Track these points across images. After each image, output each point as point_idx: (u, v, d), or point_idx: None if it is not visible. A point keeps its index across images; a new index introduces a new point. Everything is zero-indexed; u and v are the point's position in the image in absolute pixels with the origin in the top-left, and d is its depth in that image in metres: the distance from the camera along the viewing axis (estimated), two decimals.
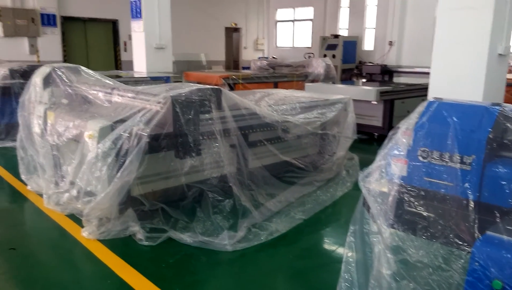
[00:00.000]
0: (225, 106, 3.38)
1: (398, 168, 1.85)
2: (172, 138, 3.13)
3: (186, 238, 3.02)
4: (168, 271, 2.72)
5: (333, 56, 13.97)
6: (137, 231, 3.05)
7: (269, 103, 4.23)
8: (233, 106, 3.48)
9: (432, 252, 1.77)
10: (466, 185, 1.71)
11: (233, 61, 19.24)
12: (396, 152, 1.88)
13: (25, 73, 5.69)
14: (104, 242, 3.01)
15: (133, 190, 3.18)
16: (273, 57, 17.67)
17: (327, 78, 9.26)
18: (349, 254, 2.03)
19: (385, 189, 1.88)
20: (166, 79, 7.17)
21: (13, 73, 5.79)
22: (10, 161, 4.90)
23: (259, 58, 16.61)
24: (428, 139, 1.82)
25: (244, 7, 18.67)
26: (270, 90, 5.50)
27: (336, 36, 14.92)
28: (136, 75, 7.29)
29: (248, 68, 12.57)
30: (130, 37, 9.88)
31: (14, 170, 4.41)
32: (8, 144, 5.62)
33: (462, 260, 1.69)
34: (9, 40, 12.81)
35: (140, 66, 8.05)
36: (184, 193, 3.38)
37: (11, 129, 5.75)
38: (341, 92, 6.09)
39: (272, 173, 3.83)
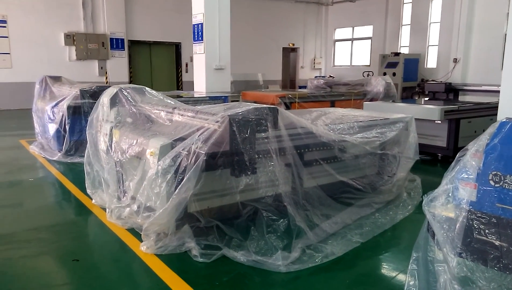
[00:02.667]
0: (281, 125, 3.37)
1: (467, 193, 1.72)
2: (229, 156, 3.16)
3: (240, 256, 3.01)
4: (221, 289, 2.71)
5: (394, 74, 13.62)
6: (193, 247, 3.09)
7: (325, 122, 4.17)
8: (289, 125, 3.46)
9: (506, 285, 1.62)
10: None
11: (289, 81, 19.37)
12: (464, 175, 1.75)
13: (94, 94, 6.05)
14: (161, 257, 3.07)
15: (189, 207, 3.24)
16: (330, 76, 17.56)
17: (387, 96, 9.01)
18: (411, 282, 1.90)
19: (451, 215, 1.75)
20: (224, 99, 7.34)
21: (83, 93, 6.17)
22: (77, 176, 5.21)
23: (316, 77, 16.58)
24: (500, 162, 1.69)
25: (302, 27, 18.82)
26: (327, 109, 5.44)
27: (397, 54, 14.55)
28: (196, 95, 7.53)
29: (304, 87, 12.57)
30: (191, 59, 10.27)
31: (81, 184, 4.67)
32: (76, 159, 5.97)
33: None
34: (81, 62, 13.83)
35: (200, 86, 8.32)
36: (239, 211, 3.38)
37: (79, 146, 6.11)
38: (402, 111, 5.88)
39: (327, 193, 3.74)
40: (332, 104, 8.46)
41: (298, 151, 3.58)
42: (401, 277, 2.86)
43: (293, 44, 18.85)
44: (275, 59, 18.41)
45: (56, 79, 7.58)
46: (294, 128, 3.55)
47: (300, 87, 15.89)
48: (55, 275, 2.96)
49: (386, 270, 3.11)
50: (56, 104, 6.39)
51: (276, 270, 2.87)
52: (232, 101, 7.13)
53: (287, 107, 7.95)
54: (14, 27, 12.63)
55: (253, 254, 3.01)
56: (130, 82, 14.46)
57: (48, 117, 6.50)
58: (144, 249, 3.16)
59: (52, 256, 3.22)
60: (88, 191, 4.30)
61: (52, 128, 6.39)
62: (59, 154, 6.21)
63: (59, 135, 6.27)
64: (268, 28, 17.68)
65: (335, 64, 19.30)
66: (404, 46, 15.98)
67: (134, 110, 4.07)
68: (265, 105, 3.40)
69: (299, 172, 3.53)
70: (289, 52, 19.12)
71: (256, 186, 3.34)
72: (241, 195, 3.34)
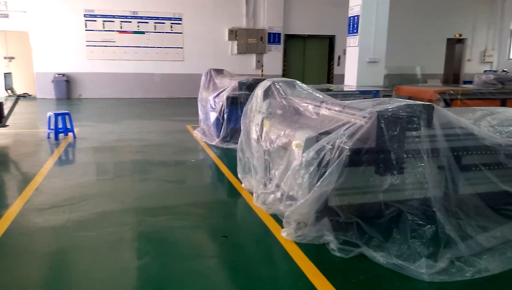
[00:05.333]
0: (436, 124, 3.12)
1: None
2: (374, 153, 3.07)
3: (379, 257, 2.92)
4: (357, 287, 2.68)
5: None
6: (331, 241, 3.11)
7: (491, 123, 3.70)
8: (445, 125, 3.19)
9: None
10: None
11: (453, 75, 17.63)
12: None
13: (250, 86, 6.47)
14: (299, 245, 3.18)
15: (330, 200, 3.25)
16: (504, 71, 15.38)
17: None
18: None
19: None
20: (375, 93, 7.09)
21: (241, 85, 6.67)
22: (231, 160, 5.69)
23: (486, 71, 14.70)
24: None
25: (472, 16, 16.90)
26: (496, 108, 4.79)
27: None
28: (345, 89, 7.44)
29: (470, 82, 11.29)
30: (344, 52, 10.14)
31: (233, 168, 5.10)
32: (231, 146, 6.51)
33: None
34: (241, 56, 14.90)
35: (350, 79, 8.20)
36: (381, 211, 3.26)
37: (234, 133, 6.63)
38: None
39: (487, 203, 3.33)
40: (503, 103, 7.41)
41: (455, 153, 3.27)
42: None
43: (460, 35, 17.04)
44: (437, 51, 16.92)
45: (219, 71, 8.33)
46: (452, 128, 3.25)
47: (465, 82, 14.30)
48: (206, 247, 3.31)
49: None
50: (217, 95, 7.05)
51: (418, 278, 2.71)
52: (384, 96, 6.84)
53: (447, 104, 7.25)
54: (187, 24, 14.27)
55: (394, 257, 2.89)
56: (283, 75, 15.04)
57: (210, 106, 7.22)
58: (284, 235, 3.31)
59: (205, 230, 3.61)
60: (239, 175, 4.67)
61: (213, 116, 7.08)
62: (217, 139, 6.85)
63: (218, 123, 6.91)
64: (430, 18, 16.32)
65: (511, 57, 16.82)
66: None
67: (284, 102, 4.25)
68: (418, 102, 3.19)
69: (454, 177, 3.23)
70: (455, 44, 17.35)
71: (402, 187, 3.18)
72: (385, 194, 3.21)
